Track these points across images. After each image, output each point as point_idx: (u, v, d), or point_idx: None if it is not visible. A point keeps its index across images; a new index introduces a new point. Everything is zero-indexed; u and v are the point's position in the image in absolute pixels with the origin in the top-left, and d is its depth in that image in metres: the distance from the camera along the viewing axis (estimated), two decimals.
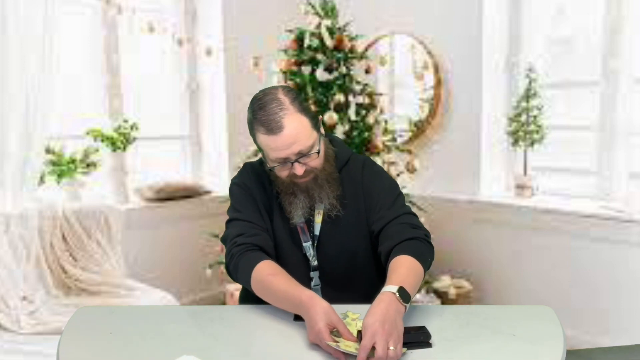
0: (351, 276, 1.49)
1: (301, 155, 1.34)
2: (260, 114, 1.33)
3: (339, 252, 1.47)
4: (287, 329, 1.24)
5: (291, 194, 1.43)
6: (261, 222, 1.46)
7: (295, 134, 1.32)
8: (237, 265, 1.39)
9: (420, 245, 1.37)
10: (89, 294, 2.53)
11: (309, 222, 1.47)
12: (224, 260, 1.47)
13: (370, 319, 1.10)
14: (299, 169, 1.35)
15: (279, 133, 1.31)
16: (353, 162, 1.53)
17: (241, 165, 1.61)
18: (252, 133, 1.38)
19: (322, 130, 1.44)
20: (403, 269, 1.26)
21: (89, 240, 2.63)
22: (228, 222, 1.49)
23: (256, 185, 1.50)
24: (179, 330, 1.23)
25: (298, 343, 1.16)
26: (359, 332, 1.11)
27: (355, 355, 1.07)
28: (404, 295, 1.17)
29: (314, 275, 1.47)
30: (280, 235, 1.48)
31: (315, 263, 1.47)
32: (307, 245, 1.47)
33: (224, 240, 1.49)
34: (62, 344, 1.17)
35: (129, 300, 2.47)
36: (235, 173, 1.59)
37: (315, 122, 1.39)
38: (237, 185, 1.52)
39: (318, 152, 1.38)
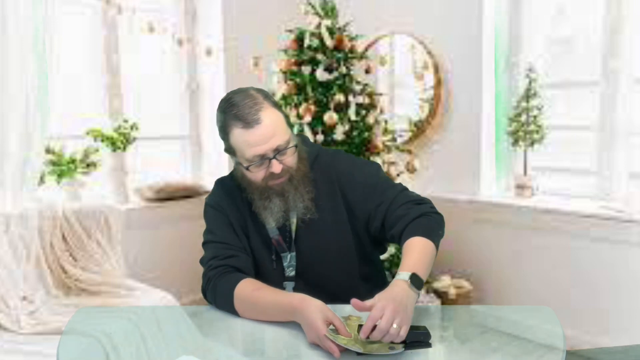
0: (332, 279, 1.45)
1: (278, 151, 1.32)
2: (234, 109, 1.31)
3: (318, 254, 1.44)
4: (287, 329, 1.24)
5: (265, 198, 1.39)
6: (236, 242, 1.43)
7: (274, 127, 1.31)
8: (215, 289, 1.36)
9: (430, 221, 1.35)
10: (89, 294, 2.53)
11: (284, 229, 1.44)
12: None
13: (379, 296, 1.10)
14: (277, 167, 1.33)
15: (256, 126, 1.29)
16: (323, 156, 1.50)
17: None
18: (225, 133, 1.35)
19: (294, 131, 1.43)
20: (415, 253, 1.25)
21: (89, 240, 2.62)
22: (204, 245, 1.47)
23: (228, 202, 1.47)
24: (179, 330, 1.23)
25: (298, 343, 1.16)
26: (360, 325, 1.11)
27: (352, 350, 1.07)
28: (416, 281, 1.16)
29: (288, 285, 1.44)
30: (257, 249, 1.45)
31: (292, 274, 1.44)
32: (285, 255, 1.44)
33: (201, 263, 1.45)
34: (62, 344, 1.17)
35: (129, 300, 2.46)
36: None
37: (288, 120, 1.39)
38: (210, 206, 1.49)
39: (296, 146, 1.36)
